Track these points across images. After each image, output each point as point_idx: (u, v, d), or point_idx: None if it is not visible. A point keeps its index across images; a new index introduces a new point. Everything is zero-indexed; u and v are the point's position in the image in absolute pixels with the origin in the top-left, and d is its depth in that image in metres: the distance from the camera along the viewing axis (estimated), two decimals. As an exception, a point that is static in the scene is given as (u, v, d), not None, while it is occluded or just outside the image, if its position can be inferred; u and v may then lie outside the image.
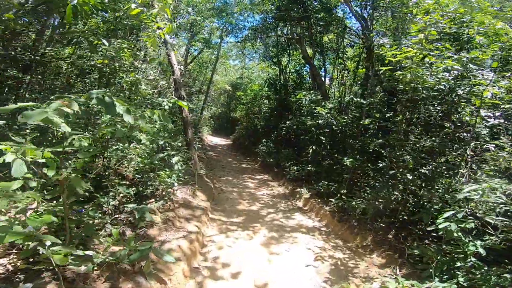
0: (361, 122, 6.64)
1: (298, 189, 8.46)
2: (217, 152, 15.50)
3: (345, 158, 6.76)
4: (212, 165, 11.30)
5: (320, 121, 7.37)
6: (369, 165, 6.88)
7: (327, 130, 7.82)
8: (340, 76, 14.60)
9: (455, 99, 4.78)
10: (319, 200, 7.49)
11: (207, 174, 8.62)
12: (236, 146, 17.54)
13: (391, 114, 7.68)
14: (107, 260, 2.80)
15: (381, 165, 6.44)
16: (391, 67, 5.29)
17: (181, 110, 8.16)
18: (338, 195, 6.69)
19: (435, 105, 6.54)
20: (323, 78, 13.60)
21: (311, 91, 8.76)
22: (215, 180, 9.06)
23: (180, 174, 5.80)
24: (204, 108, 21.97)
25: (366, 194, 6.10)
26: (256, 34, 17.56)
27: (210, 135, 24.73)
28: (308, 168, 8.28)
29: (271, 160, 10.81)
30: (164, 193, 5.43)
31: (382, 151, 7.34)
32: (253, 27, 16.68)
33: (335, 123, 7.53)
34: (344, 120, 7.47)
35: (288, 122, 10.47)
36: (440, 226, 3.22)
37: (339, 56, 14.59)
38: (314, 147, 8.78)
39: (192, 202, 5.91)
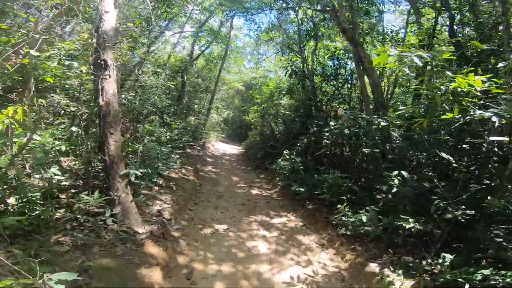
0: None
1: (374, 265, 3.35)
2: (220, 165, 10.49)
3: None
4: (200, 194, 6.27)
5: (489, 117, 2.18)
6: None
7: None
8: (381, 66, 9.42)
9: None
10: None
11: (166, 228, 3.59)
12: (248, 157, 12.48)
13: None
14: None
15: None
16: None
17: (99, 92, 3.23)
18: None
19: None
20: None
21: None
22: (185, 236, 3.99)
23: None
24: (211, 109, 17.11)
25: None
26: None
27: (221, 141, 19.86)
28: (419, 225, 3.11)
29: (302, 189, 5.65)
30: None
31: None
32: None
33: None
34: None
35: (332, 124, 5.35)
36: None
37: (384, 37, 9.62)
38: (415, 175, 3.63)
39: None
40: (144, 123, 7.81)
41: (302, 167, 6.86)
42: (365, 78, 7.63)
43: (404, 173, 3.59)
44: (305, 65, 11.26)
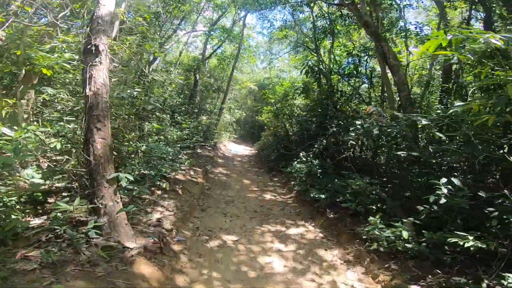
0: None
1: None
2: (231, 167, 9.91)
3: None
4: (208, 199, 5.66)
5: None
6: None
7: None
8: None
9: None
10: None
11: (164, 241, 3.01)
12: (261, 158, 11.86)
13: None
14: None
15: None
16: None
17: (86, 81, 2.70)
18: None
19: None
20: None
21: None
22: (188, 250, 3.38)
23: None
24: (223, 109, 16.60)
25: None
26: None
27: (233, 142, 19.35)
28: (480, 243, 2.42)
29: (322, 196, 4.97)
30: None
31: None
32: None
33: None
34: None
35: (358, 123, 4.65)
36: None
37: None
38: (456, 183, 2.92)
39: None
40: (152, 121, 7.34)
41: (320, 170, 6.20)
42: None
43: (455, 181, 2.88)
44: (321, 63, 10.61)
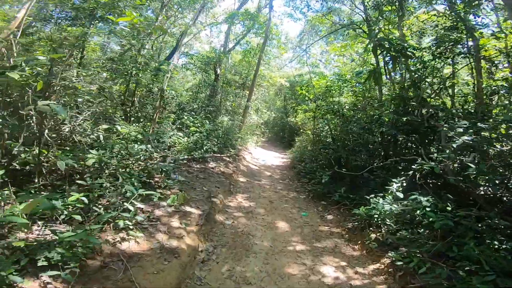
0: None
1: None
2: (258, 191, 6.59)
3: None
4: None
5: None
6: None
7: None
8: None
9: None
10: None
11: None
12: (298, 173, 8.41)
13: None
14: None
15: None
16: None
17: None
18: None
19: None
20: None
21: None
22: None
23: None
24: (248, 108, 13.39)
25: None
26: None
27: (261, 146, 16.09)
28: None
29: None
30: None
31: None
32: None
33: None
34: None
35: None
36: None
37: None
38: None
39: None
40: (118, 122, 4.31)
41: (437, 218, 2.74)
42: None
43: None
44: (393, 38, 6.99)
